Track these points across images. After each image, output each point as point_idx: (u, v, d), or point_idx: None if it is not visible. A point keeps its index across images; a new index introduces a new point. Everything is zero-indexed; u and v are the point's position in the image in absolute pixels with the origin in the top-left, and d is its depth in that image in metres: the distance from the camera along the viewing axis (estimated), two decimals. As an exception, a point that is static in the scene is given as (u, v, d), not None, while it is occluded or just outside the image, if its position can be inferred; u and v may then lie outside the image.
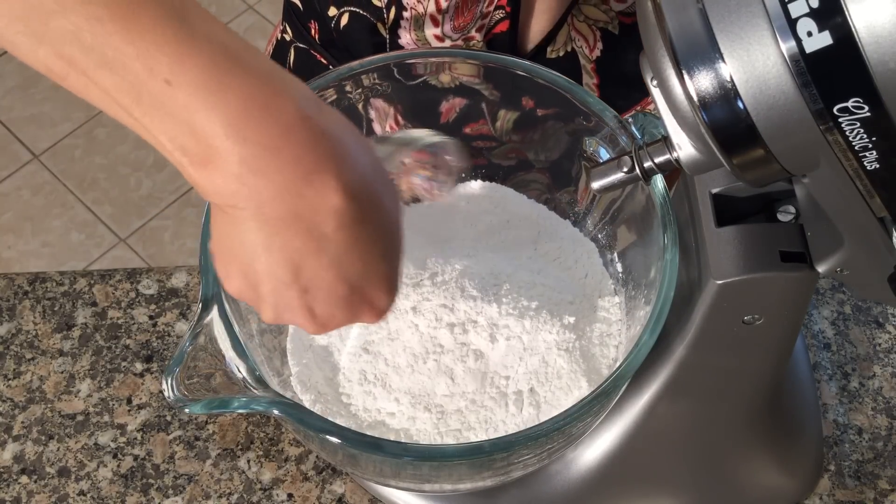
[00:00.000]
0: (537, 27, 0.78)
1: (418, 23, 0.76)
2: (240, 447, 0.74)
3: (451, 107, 0.74)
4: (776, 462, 0.70)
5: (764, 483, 0.71)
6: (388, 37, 0.77)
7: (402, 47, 0.76)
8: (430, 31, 0.76)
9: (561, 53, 0.79)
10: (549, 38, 0.78)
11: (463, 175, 0.72)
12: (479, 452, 0.52)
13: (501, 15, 0.75)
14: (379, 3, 0.76)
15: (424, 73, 0.68)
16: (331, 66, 0.83)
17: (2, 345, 0.78)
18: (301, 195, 0.42)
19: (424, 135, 0.58)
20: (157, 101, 0.40)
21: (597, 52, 0.78)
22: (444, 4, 0.74)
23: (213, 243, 0.47)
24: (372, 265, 0.46)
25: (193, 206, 1.88)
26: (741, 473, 0.70)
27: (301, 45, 0.86)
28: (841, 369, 0.78)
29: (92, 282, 0.81)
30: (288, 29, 0.87)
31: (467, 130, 0.76)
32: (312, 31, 0.84)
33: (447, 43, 0.76)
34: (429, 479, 0.61)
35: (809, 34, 0.36)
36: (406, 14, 0.75)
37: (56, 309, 0.80)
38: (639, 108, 0.84)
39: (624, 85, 0.80)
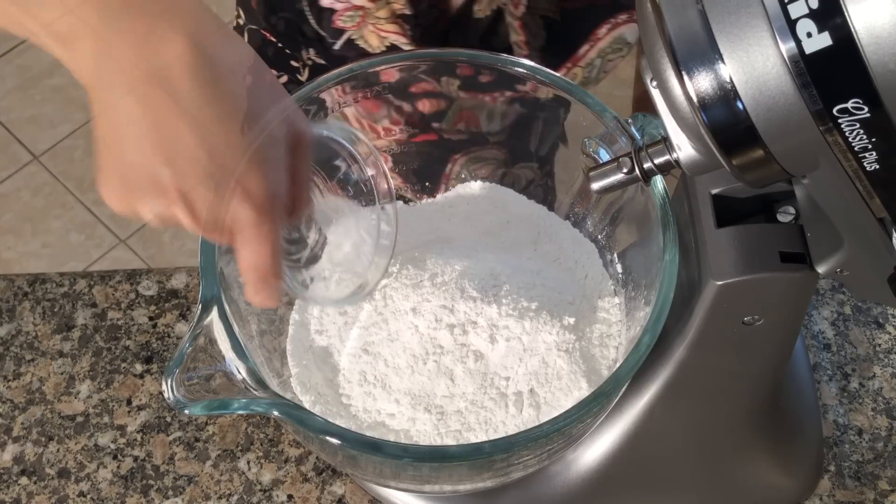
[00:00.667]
0: None
1: None
2: (240, 448, 0.74)
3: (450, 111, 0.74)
4: (776, 463, 0.70)
5: (764, 484, 0.71)
6: None
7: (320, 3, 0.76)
8: None
9: (488, 12, 0.78)
10: None
11: (392, 191, 0.71)
12: (480, 453, 0.52)
13: None
14: None
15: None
16: (279, 45, 0.83)
17: (2, 346, 0.78)
18: (147, 42, 0.44)
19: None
20: None
21: (522, 9, 0.77)
22: None
23: (97, 157, 0.48)
24: (234, 135, 0.46)
25: (193, 206, 1.87)
26: (741, 474, 0.70)
27: (252, 27, 0.86)
28: (841, 370, 0.78)
29: (92, 283, 0.81)
30: (241, 13, 0.87)
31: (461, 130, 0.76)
32: (252, 1, 0.84)
33: None
34: (429, 480, 0.61)
35: (809, 35, 0.36)
36: None
37: (56, 310, 0.80)
38: (569, 63, 0.83)
39: (553, 40, 0.80)
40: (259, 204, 0.48)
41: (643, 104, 1.47)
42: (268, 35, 0.84)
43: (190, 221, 0.48)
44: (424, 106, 0.73)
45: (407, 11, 0.76)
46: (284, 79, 0.83)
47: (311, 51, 0.81)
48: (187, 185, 0.46)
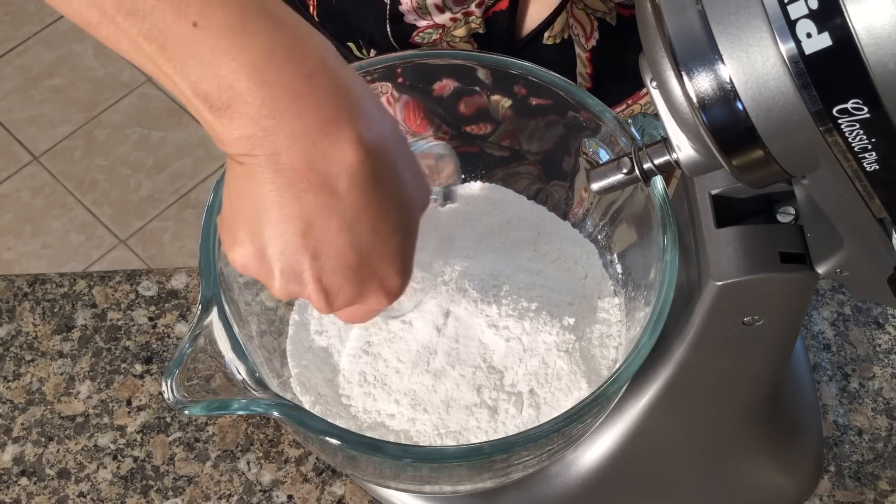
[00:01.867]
0: (536, 11, 0.78)
1: None
2: (240, 448, 0.74)
3: (460, 104, 0.74)
4: (776, 463, 0.70)
5: (764, 484, 0.71)
6: (388, 2, 0.77)
7: (402, 14, 0.76)
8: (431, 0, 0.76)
9: (557, 40, 0.79)
10: (547, 23, 0.78)
11: (461, 176, 0.72)
12: (479, 454, 0.52)
13: None
14: None
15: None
16: None
17: (1, 346, 0.78)
18: (316, 144, 0.41)
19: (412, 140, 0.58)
20: (183, 45, 0.40)
21: (592, 42, 0.78)
22: None
23: (223, 209, 0.45)
24: (384, 236, 0.45)
25: (193, 207, 1.88)
26: (741, 475, 0.70)
27: None
28: (841, 370, 0.78)
29: (92, 283, 0.81)
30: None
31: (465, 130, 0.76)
32: (311, 7, 0.84)
33: (447, 15, 0.76)
34: (429, 480, 0.61)
35: (809, 35, 0.36)
36: None
37: (56, 310, 0.80)
38: (630, 101, 0.84)
39: (617, 77, 0.80)
40: (392, 297, 0.47)
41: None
42: None
43: (324, 307, 0.46)
44: (473, 129, 0.74)
45: (481, 31, 0.77)
46: None
47: (374, 52, 0.81)
48: (330, 279, 0.45)
